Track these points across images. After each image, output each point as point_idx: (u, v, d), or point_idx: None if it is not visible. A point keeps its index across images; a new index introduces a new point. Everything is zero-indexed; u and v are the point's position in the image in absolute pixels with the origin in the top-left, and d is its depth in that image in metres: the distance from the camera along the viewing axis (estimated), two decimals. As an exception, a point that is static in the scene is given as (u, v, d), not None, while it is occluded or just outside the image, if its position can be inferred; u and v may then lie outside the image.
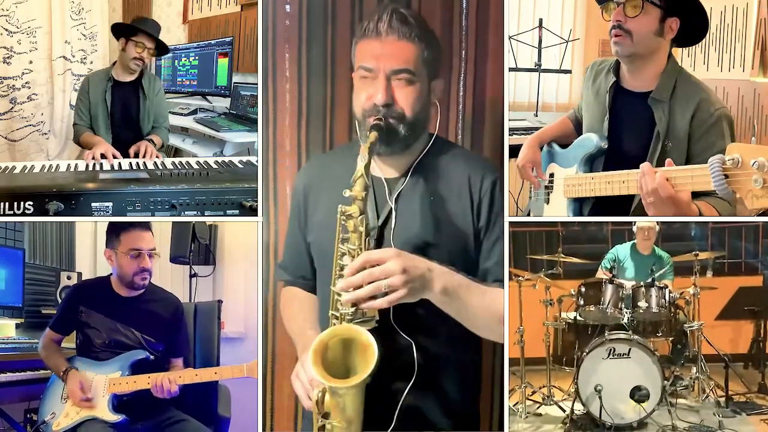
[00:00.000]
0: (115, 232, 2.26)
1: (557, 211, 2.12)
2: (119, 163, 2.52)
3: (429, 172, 1.66)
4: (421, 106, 1.61)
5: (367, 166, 1.48)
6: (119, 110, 2.76)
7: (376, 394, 1.51)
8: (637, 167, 1.71)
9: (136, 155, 2.63)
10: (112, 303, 2.26)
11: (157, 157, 2.63)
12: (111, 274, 2.32)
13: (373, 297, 1.42)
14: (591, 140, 2.03)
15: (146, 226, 2.27)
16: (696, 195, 1.76)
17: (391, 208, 1.62)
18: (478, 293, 1.55)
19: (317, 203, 1.72)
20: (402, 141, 1.60)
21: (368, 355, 1.41)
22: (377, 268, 1.41)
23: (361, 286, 1.41)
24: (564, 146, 2.16)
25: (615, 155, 1.99)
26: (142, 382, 2.13)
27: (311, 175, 1.79)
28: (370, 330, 1.44)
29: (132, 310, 2.26)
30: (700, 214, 1.76)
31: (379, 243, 1.60)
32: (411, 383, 1.55)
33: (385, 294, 1.41)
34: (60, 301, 2.92)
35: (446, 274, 1.50)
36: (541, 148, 2.20)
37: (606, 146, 2.00)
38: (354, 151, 1.72)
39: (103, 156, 2.53)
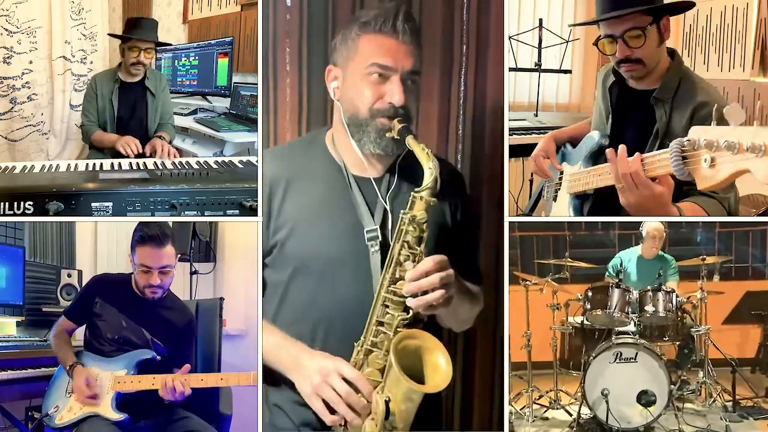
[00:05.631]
0: (134, 240, 2.20)
1: (563, 208, 2.13)
2: (119, 163, 2.53)
3: (409, 172, 1.61)
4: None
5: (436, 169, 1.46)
6: (127, 111, 2.76)
7: None
8: None
9: (152, 154, 2.63)
10: (129, 300, 2.24)
11: (175, 156, 2.63)
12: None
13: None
14: (593, 138, 2.07)
15: (165, 241, 2.18)
16: (684, 195, 1.78)
17: (386, 208, 1.58)
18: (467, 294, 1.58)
19: (288, 197, 1.63)
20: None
21: (439, 365, 1.42)
22: (437, 274, 1.41)
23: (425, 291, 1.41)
24: (576, 146, 2.18)
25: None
26: (147, 382, 2.12)
27: (277, 167, 1.67)
28: None
29: (148, 311, 2.24)
30: (681, 215, 1.76)
31: (384, 247, 1.55)
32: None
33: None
34: (60, 299, 2.92)
35: (457, 281, 1.49)
36: (559, 148, 2.21)
37: (607, 143, 2.02)
38: (316, 143, 1.67)
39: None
